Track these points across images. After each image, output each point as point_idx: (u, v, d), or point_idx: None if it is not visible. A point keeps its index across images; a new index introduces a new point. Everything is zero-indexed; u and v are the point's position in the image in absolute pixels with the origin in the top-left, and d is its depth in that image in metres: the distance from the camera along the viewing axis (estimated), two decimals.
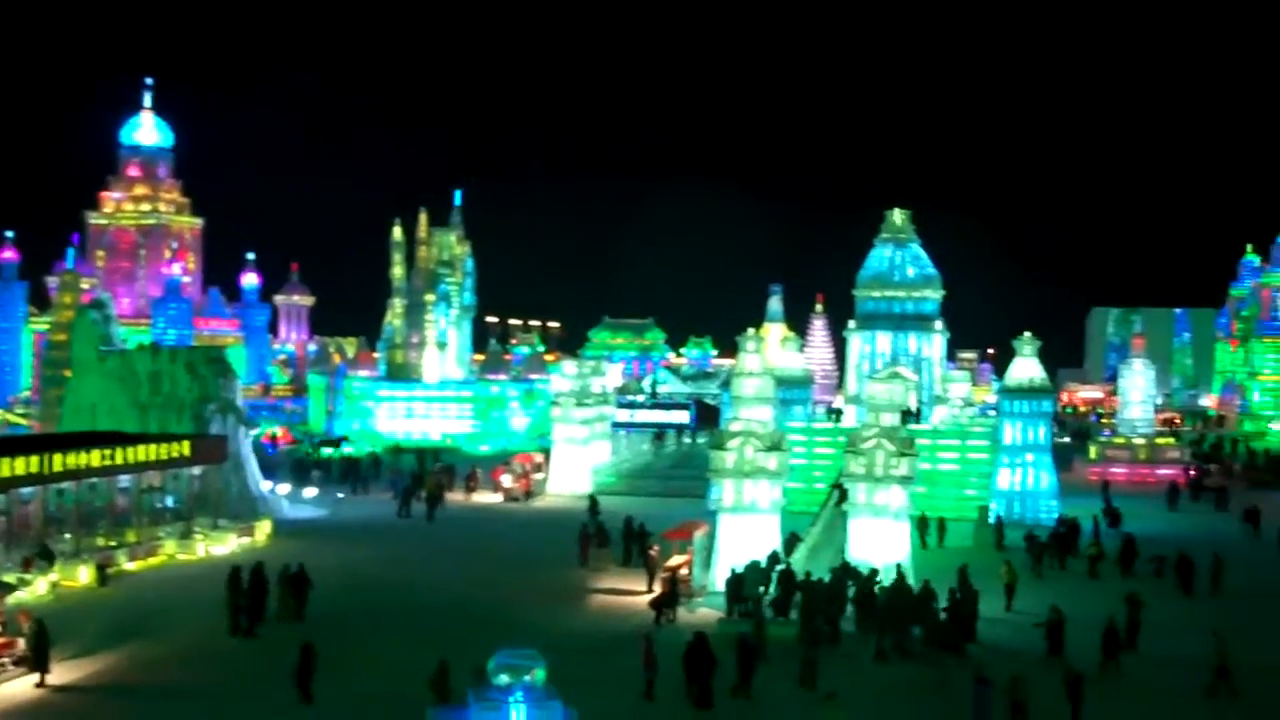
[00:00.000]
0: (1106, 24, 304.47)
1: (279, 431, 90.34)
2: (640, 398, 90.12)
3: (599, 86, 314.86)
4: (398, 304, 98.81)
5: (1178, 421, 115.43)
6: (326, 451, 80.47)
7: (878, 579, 36.75)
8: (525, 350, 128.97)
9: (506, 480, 65.28)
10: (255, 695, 29.02)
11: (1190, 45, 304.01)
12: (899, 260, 66.68)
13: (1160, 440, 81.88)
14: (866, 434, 41.46)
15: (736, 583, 36.71)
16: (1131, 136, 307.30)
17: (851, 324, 68.54)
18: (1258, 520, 54.05)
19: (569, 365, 72.46)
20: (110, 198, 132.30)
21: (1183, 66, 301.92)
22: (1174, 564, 41.84)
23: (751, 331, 44.78)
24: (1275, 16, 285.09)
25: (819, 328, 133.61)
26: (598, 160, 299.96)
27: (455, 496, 61.69)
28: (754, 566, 37.95)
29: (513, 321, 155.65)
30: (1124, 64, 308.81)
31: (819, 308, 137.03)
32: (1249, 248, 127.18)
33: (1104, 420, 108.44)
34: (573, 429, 68.53)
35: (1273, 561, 48.37)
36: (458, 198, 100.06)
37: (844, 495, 45.27)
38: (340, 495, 61.49)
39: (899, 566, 38.26)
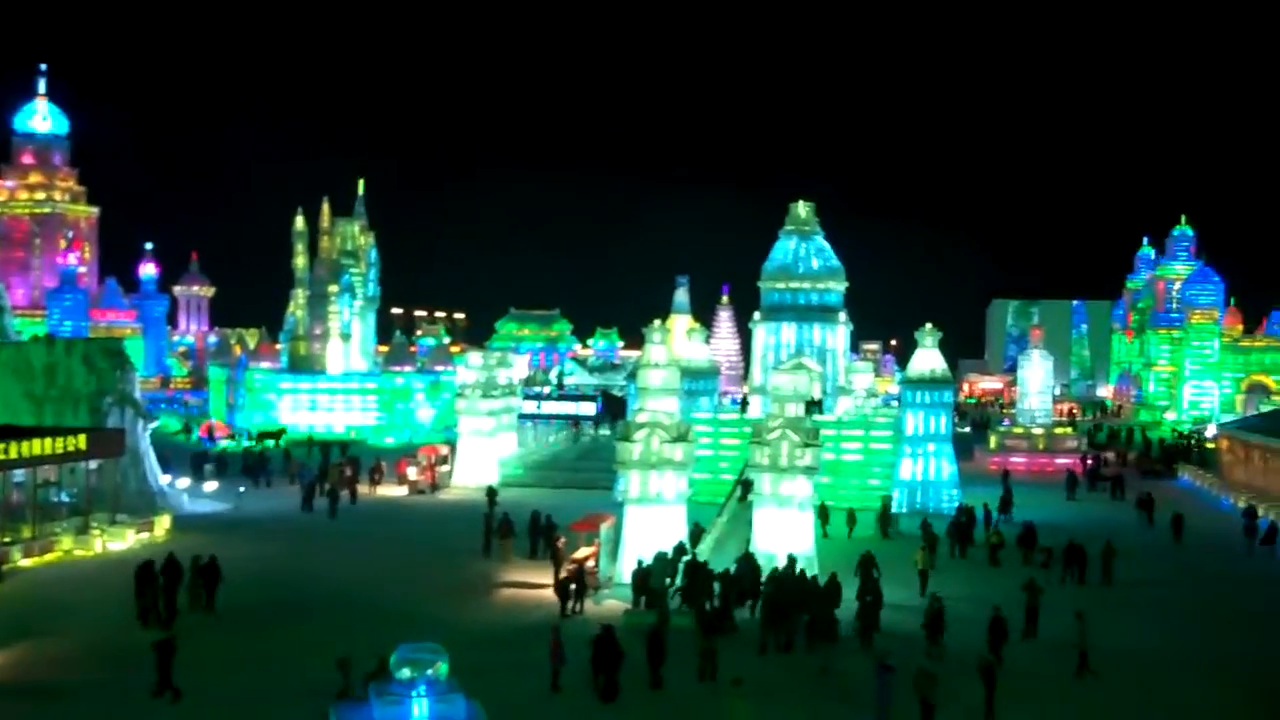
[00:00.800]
0: (1003, 15, 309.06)
1: (216, 424, 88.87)
2: (547, 389, 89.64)
3: (502, 77, 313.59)
4: (300, 295, 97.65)
5: (1075, 411, 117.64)
6: (269, 443, 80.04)
7: (795, 569, 36.97)
8: (431, 342, 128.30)
9: (412, 473, 64.80)
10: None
11: (1086, 37, 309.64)
12: (803, 252, 67.20)
13: (1058, 430, 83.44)
14: (771, 425, 41.74)
15: (643, 575, 36.78)
16: (1030, 130, 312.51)
17: (757, 315, 68.96)
18: (1151, 508, 55.24)
19: (475, 357, 71.99)
20: (3, 186, 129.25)
21: (1078, 61, 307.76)
22: (1066, 553, 42.23)
23: (658, 323, 44.84)
24: (1165, 7, 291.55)
25: (725, 319, 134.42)
26: (504, 151, 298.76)
27: (360, 489, 61.05)
28: (660, 558, 38.07)
29: (418, 313, 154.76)
30: (1020, 57, 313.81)
31: (725, 299, 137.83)
32: (1145, 241, 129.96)
33: (1004, 410, 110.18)
34: (479, 421, 68.18)
35: (1165, 548, 49.48)
36: (361, 187, 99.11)
37: (747, 491, 45.68)
38: (242, 489, 60.56)
39: (791, 557, 38.58)
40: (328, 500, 55.57)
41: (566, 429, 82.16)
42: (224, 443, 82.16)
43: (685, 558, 38.79)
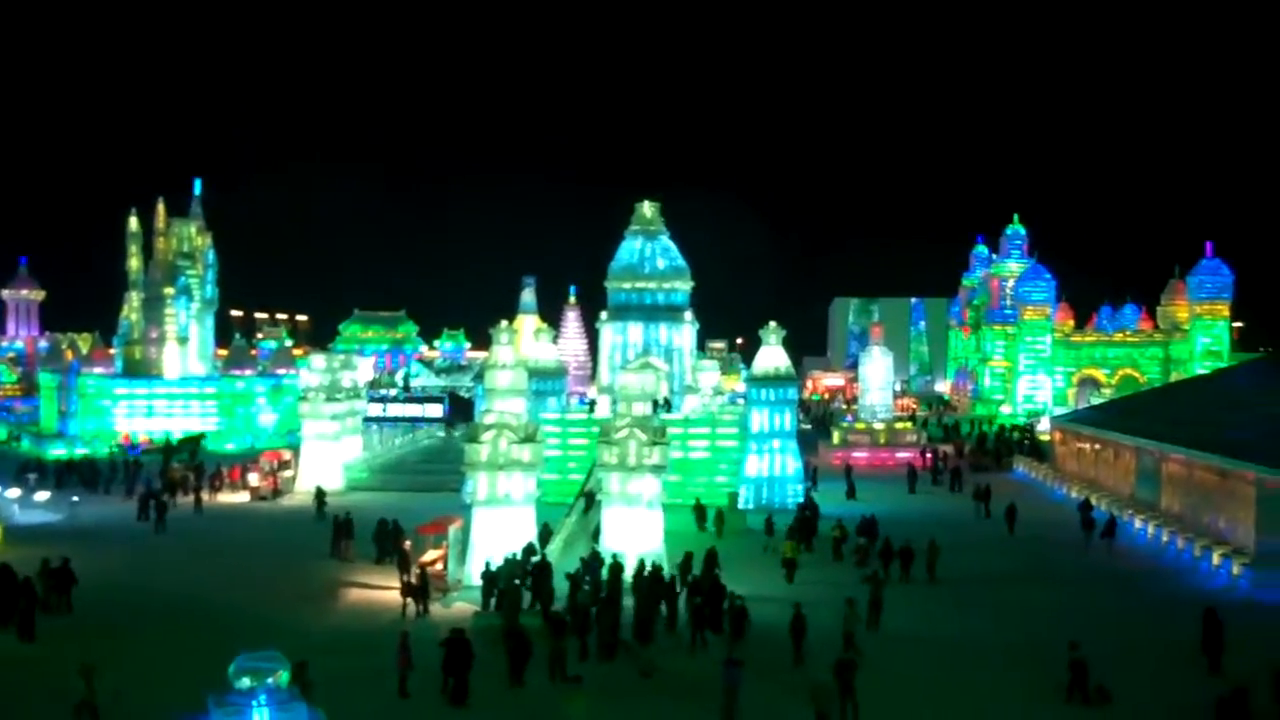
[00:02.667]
0: (838, 12, 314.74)
1: (140, 435, 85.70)
2: (393, 391, 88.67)
3: (344, 73, 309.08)
4: (135, 297, 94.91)
5: (915, 406, 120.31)
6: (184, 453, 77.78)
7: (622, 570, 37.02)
8: (272, 344, 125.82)
9: (254, 479, 63.48)
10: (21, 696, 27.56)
11: (917, 37, 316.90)
12: (649, 252, 67.56)
13: (899, 425, 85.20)
14: (619, 424, 41.84)
15: (491, 577, 36.56)
16: (869, 131, 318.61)
17: (604, 315, 69.09)
18: (988, 500, 56.68)
19: (318, 359, 70.75)
20: None
21: (913, 62, 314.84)
22: (884, 550, 42.45)
23: (504, 323, 44.74)
24: (991, 9, 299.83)
25: (572, 319, 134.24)
26: (348, 149, 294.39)
27: (198, 496, 59.46)
28: (509, 560, 37.92)
29: (259, 315, 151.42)
30: (855, 57, 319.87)
31: (572, 299, 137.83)
32: (979, 240, 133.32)
33: (846, 406, 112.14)
34: (323, 425, 67.06)
35: (1001, 540, 50.78)
36: (198, 186, 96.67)
37: (590, 504, 45.75)
38: (75, 499, 58.55)
39: (615, 557, 38.73)
40: (154, 510, 52.74)
41: (410, 431, 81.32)
42: (146, 449, 79.42)
43: (534, 558, 38.74)
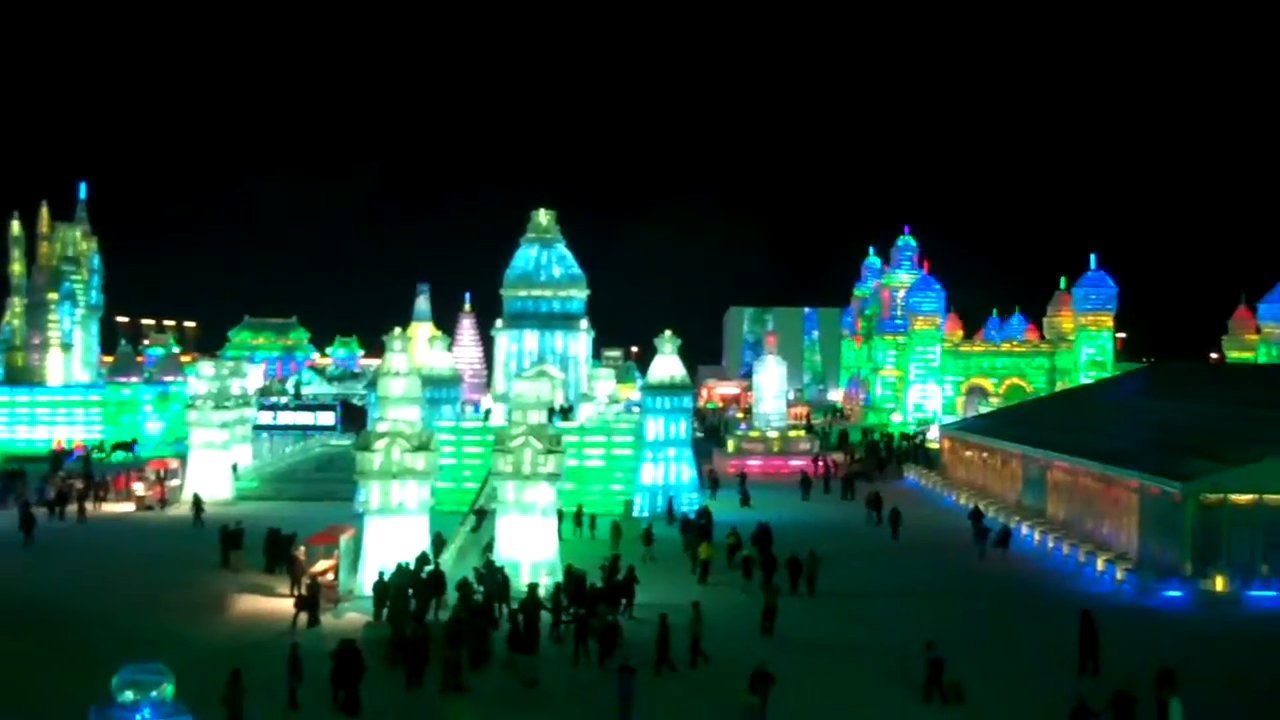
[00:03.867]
0: (728, 23, 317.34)
1: (75, 440, 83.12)
2: (283, 399, 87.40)
3: (235, 77, 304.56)
4: (17, 303, 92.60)
5: (808, 415, 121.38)
6: (119, 455, 76.21)
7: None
8: (159, 351, 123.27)
9: (139, 488, 62.14)
10: None
11: (809, 50, 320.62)
12: (545, 260, 67.48)
13: (793, 433, 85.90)
14: (514, 432, 41.67)
15: (384, 587, 36.18)
16: (762, 143, 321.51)
17: (499, 323, 68.82)
18: (879, 507, 57.36)
19: (206, 366, 69.45)
20: None
21: (804, 74, 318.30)
22: (785, 561, 42.03)
23: (398, 331, 44.38)
24: (877, 23, 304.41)
25: (467, 327, 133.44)
26: (238, 153, 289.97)
27: (86, 506, 58.01)
28: (401, 568, 37.58)
29: (145, 321, 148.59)
30: (748, 69, 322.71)
31: (467, 307, 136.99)
32: (871, 250, 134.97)
33: (741, 415, 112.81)
34: (211, 433, 65.80)
35: (890, 547, 51.37)
36: (82, 190, 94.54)
37: (480, 520, 45.54)
38: None
39: (490, 563, 38.66)
40: (19, 521, 50.39)
41: (301, 439, 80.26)
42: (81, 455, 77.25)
43: (428, 568, 38.45)
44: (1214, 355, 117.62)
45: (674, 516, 55.34)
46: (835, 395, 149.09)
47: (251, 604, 39.17)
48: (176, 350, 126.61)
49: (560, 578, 39.53)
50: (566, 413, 63.20)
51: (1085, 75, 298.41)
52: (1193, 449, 46.37)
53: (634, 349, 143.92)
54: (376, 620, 35.23)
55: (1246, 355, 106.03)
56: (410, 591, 36.11)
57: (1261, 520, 41.36)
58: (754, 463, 77.51)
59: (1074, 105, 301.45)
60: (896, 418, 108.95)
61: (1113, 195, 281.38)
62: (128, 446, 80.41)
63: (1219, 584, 40.38)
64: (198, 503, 56.01)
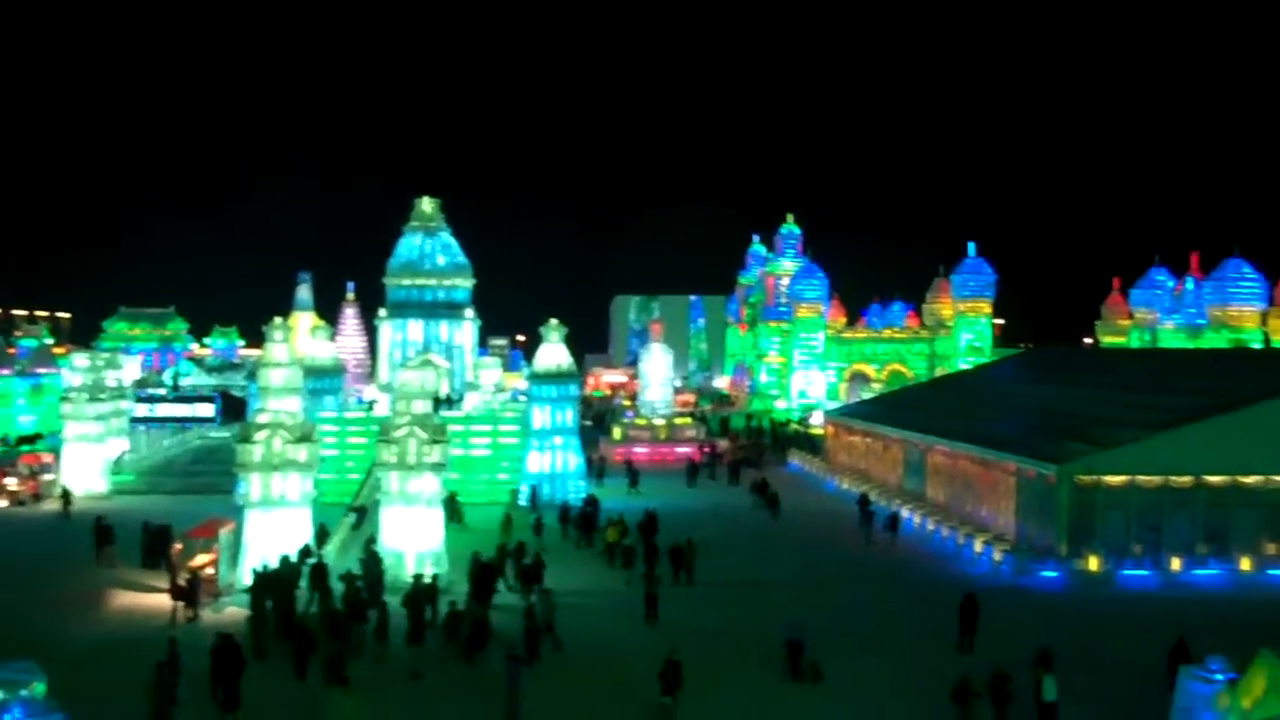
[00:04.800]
0: (613, 12, 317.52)
1: None
2: (161, 391, 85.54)
3: (108, 62, 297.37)
4: None
5: (694, 402, 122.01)
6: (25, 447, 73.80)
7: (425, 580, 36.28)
8: (31, 343, 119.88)
9: (11, 483, 60.44)
10: None
11: (695, 38, 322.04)
12: (429, 248, 66.93)
13: (679, 420, 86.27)
14: (399, 422, 41.27)
15: (265, 580, 35.61)
16: (647, 131, 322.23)
17: (383, 312, 68.12)
18: (765, 491, 57.89)
19: (81, 358, 67.77)
20: None
21: (691, 63, 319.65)
22: (667, 549, 41.90)
23: (279, 320, 43.73)
24: (746, 15, 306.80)
25: (350, 316, 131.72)
26: (112, 139, 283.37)
27: None
28: (284, 560, 37.07)
29: (17, 312, 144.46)
30: (631, 54, 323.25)
31: (350, 296, 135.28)
32: (755, 238, 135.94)
33: (627, 402, 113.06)
34: (86, 426, 64.24)
35: (774, 532, 51.88)
36: None
37: (361, 519, 45.00)
38: None
39: (373, 554, 38.40)
40: None
41: (179, 431, 78.66)
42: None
43: (310, 560, 37.99)
44: (1088, 340, 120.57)
45: (536, 506, 55.03)
46: (721, 382, 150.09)
47: (128, 600, 38.34)
48: (50, 342, 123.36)
49: (445, 568, 39.41)
50: (453, 402, 62.80)
51: (961, 65, 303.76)
52: (1068, 432, 47.49)
53: (520, 337, 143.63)
54: (256, 614, 34.62)
55: (1119, 340, 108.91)
56: (303, 583, 35.74)
57: (1134, 501, 42.50)
58: (641, 450, 77.71)
59: (952, 95, 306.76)
60: (781, 404, 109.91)
61: (990, 184, 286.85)
62: (32, 440, 78.16)
63: (1093, 564, 41.42)
64: (66, 496, 54.80)
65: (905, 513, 53.26)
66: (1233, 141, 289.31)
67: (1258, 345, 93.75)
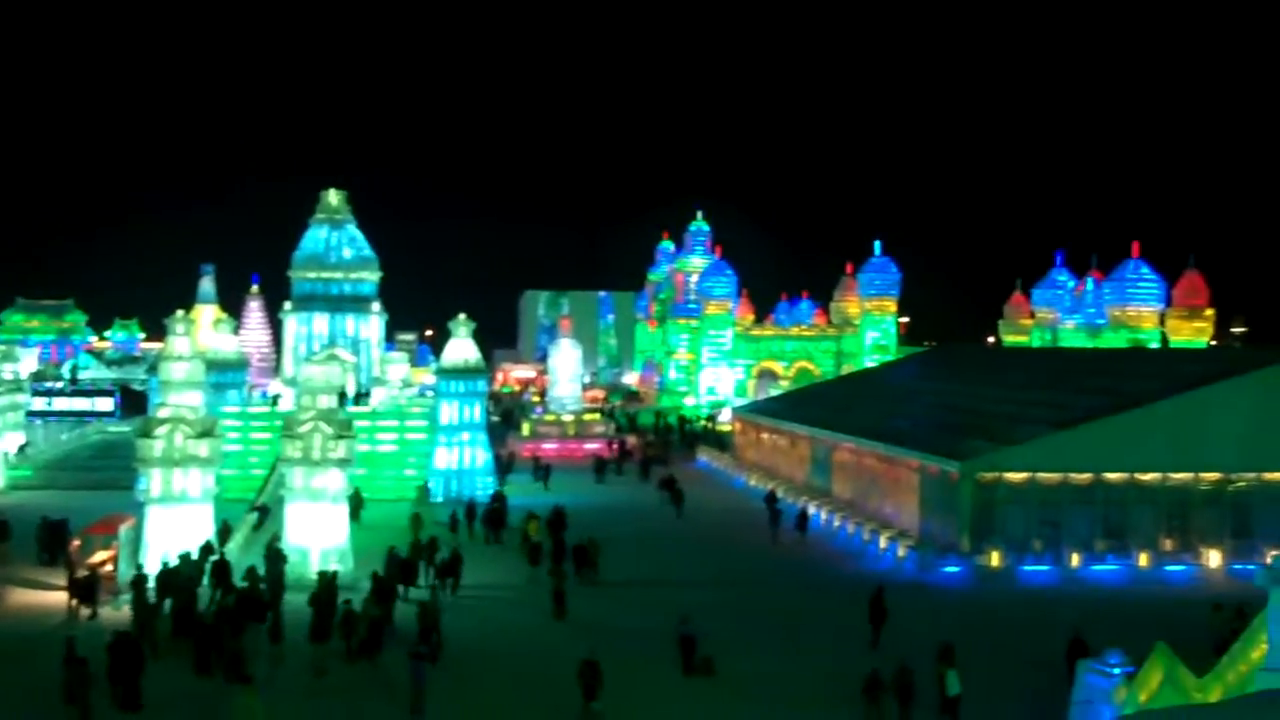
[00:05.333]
0: (525, 6, 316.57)
1: None
2: (59, 384, 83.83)
3: (23, 51, 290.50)
4: None
5: (603, 398, 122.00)
6: None
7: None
8: None
9: None
10: None
11: (605, 33, 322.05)
12: (335, 241, 66.18)
13: (588, 416, 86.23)
14: (303, 417, 40.78)
15: (166, 578, 35.04)
16: (557, 127, 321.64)
17: (287, 305, 67.25)
18: (673, 487, 58.08)
19: None
20: None
21: (597, 56, 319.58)
22: (572, 547, 41.82)
23: (181, 313, 43.01)
24: (657, 19, 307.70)
25: (255, 309, 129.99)
26: (10, 126, 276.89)
27: None
28: (184, 558, 36.51)
29: None
30: (542, 47, 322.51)
31: (255, 288, 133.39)
32: (664, 235, 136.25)
33: (536, 398, 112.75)
34: None
35: (682, 529, 52.03)
36: None
37: (263, 518, 44.36)
38: None
39: (278, 551, 38.02)
40: None
41: (78, 425, 77.12)
42: None
43: (213, 557, 37.46)
44: (991, 339, 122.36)
45: (425, 500, 54.93)
46: (630, 378, 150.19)
47: (24, 597, 37.51)
48: None
49: (350, 565, 39.07)
50: (361, 397, 62.19)
51: (866, 63, 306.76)
52: (970, 429, 48.19)
53: (428, 332, 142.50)
54: (139, 611, 33.89)
55: (1021, 339, 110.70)
56: (204, 578, 35.22)
57: (1034, 497, 43.23)
58: (549, 446, 77.53)
59: (858, 93, 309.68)
60: (690, 400, 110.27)
61: (896, 183, 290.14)
62: None
63: (994, 559, 42.07)
64: None
65: (812, 509, 53.58)
66: (1132, 143, 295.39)
67: (1155, 345, 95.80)
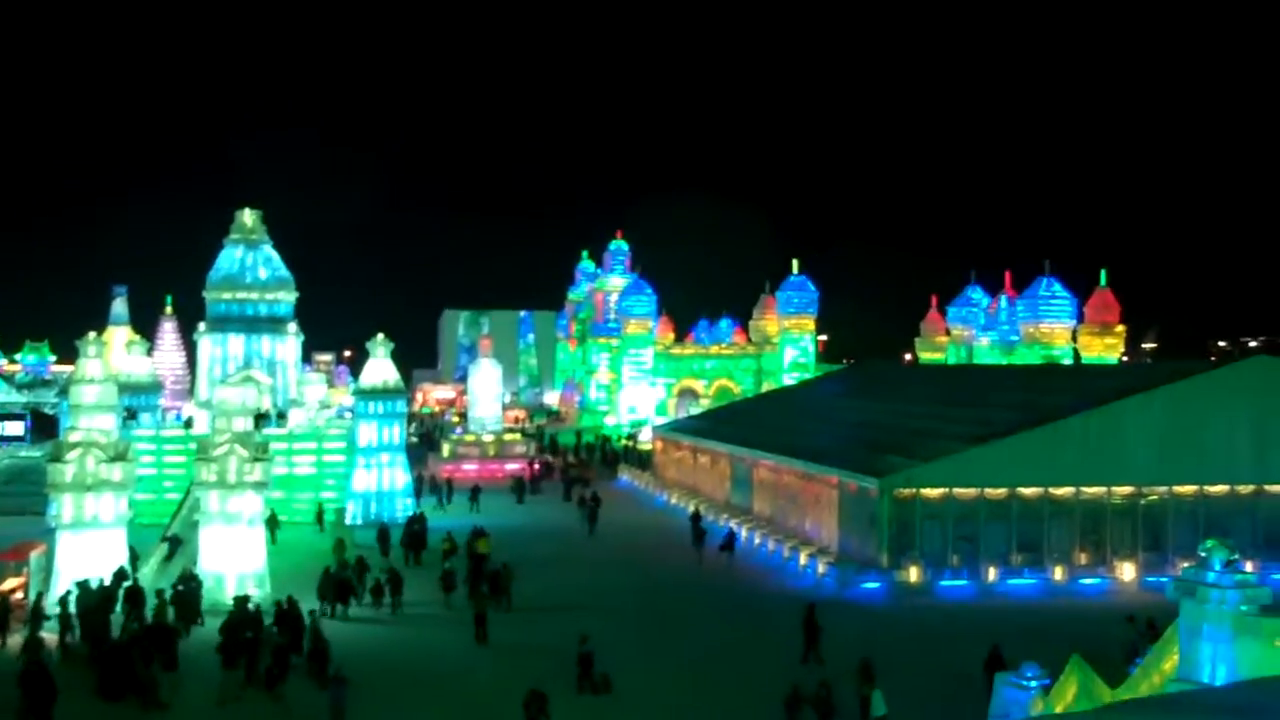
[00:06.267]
0: (443, 16, 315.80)
1: None
2: None
3: None
4: None
5: (524, 418, 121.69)
6: None
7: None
8: None
9: None
10: None
11: (524, 50, 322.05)
12: (250, 261, 65.36)
13: (508, 436, 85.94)
14: (219, 440, 40.24)
15: (79, 604, 34.38)
16: (477, 148, 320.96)
17: (202, 327, 66.34)
18: (596, 507, 57.90)
19: None
20: None
21: (515, 75, 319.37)
22: (488, 573, 40.84)
23: (93, 335, 42.35)
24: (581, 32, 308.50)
25: (169, 331, 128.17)
26: None
27: None
28: (81, 584, 35.75)
29: None
30: (454, 66, 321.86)
31: (168, 309, 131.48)
32: (584, 254, 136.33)
33: (456, 418, 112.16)
34: None
35: (603, 549, 51.93)
36: None
37: (174, 549, 43.53)
38: None
39: (192, 575, 37.51)
40: None
41: None
42: None
43: (126, 584, 36.81)
44: (908, 356, 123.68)
45: (322, 523, 54.68)
46: (551, 398, 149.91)
47: None
48: None
49: (267, 589, 38.57)
50: (282, 416, 61.44)
51: (781, 84, 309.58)
52: (888, 446, 48.60)
53: (347, 353, 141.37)
54: (63, 639, 33.27)
55: (937, 356, 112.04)
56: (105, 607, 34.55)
57: (951, 513, 43.66)
58: (470, 467, 77.12)
59: (774, 114, 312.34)
60: (611, 420, 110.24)
61: (813, 202, 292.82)
62: None
63: (913, 575, 42.42)
64: None
65: (733, 526, 53.42)
66: (1044, 161, 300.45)
67: (1068, 361, 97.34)
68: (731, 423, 70.31)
